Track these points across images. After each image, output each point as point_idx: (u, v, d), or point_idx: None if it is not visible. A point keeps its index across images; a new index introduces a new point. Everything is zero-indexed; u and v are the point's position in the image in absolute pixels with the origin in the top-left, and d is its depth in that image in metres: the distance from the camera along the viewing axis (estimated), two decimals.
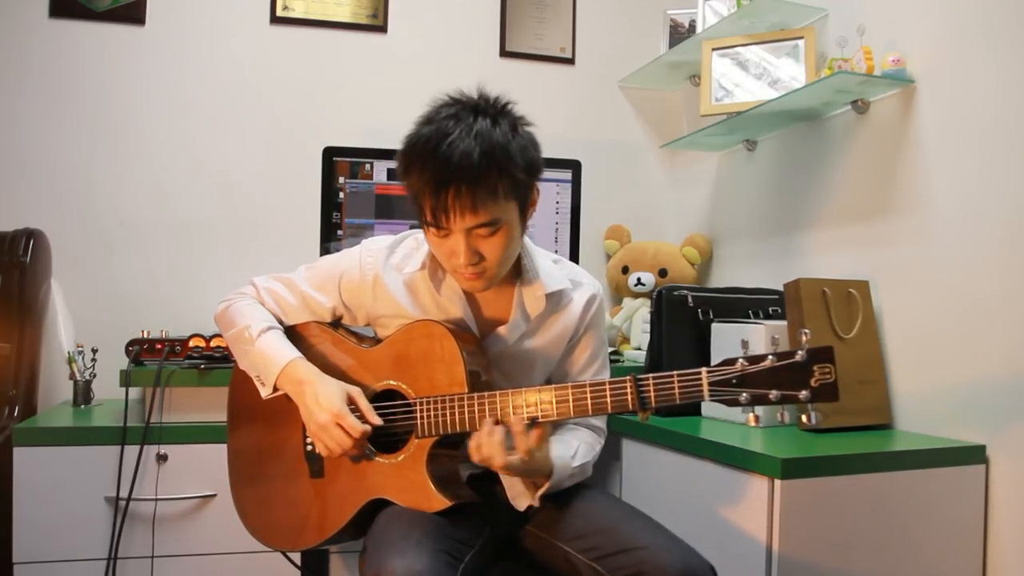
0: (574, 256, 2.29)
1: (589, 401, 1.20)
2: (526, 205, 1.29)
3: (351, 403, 1.29)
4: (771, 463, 1.46)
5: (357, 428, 1.26)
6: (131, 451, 1.83)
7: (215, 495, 1.87)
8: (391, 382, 1.34)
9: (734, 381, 1.11)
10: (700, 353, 1.93)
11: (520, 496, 1.34)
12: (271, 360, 1.34)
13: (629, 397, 1.16)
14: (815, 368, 1.08)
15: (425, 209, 1.22)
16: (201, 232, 2.43)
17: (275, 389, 1.35)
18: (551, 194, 2.26)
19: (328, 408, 1.27)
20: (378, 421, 1.29)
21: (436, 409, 1.27)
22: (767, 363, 1.10)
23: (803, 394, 1.08)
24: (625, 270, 2.59)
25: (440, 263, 1.33)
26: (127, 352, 1.91)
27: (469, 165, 1.17)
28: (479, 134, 1.19)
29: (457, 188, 1.18)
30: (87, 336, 2.12)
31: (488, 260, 1.25)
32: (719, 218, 2.59)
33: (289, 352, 1.35)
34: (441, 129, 1.20)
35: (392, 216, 2.19)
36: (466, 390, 1.26)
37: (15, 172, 2.30)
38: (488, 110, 1.24)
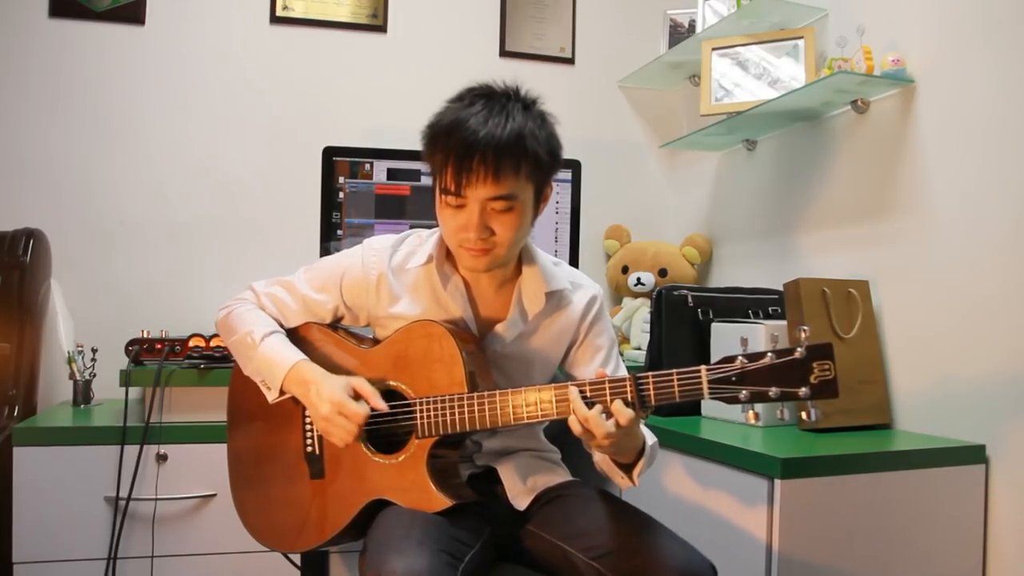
0: (574, 256, 2.29)
1: (589, 400, 1.19)
2: (541, 194, 1.30)
3: (355, 393, 1.29)
4: (771, 463, 1.46)
5: (359, 413, 1.26)
6: (131, 451, 1.83)
7: (215, 495, 1.87)
8: (391, 382, 1.34)
9: (733, 379, 1.11)
10: (700, 353, 1.93)
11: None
12: (276, 364, 1.34)
13: (629, 396, 1.16)
14: (814, 365, 1.08)
15: (446, 176, 1.23)
16: (201, 232, 2.43)
17: (281, 392, 1.35)
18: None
19: (328, 399, 1.27)
20: (383, 406, 1.28)
21: (436, 409, 1.27)
22: (766, 360, 1.10)
23: (803, 391, 1.08)
24: (625, 270, 2.59)
25: (448, 248, 1.33)
26: (127, 352, 1.91)
27: (498, 136, 1.20)
28: (510, 115, 1.23)
29: (483, 154, 1.19)
30: (87, 336, 2.13)
31: (498, 237, 1.26)
32: (719, 218, 2.59)
33: (293, 355, 1.35)
34: (473, 106, 1.24)
35: (392, 216, 2.19)
36: (466, 390, 1.26)
37: (15, 172, 2.30)
38: (519, 99, 1.27)
